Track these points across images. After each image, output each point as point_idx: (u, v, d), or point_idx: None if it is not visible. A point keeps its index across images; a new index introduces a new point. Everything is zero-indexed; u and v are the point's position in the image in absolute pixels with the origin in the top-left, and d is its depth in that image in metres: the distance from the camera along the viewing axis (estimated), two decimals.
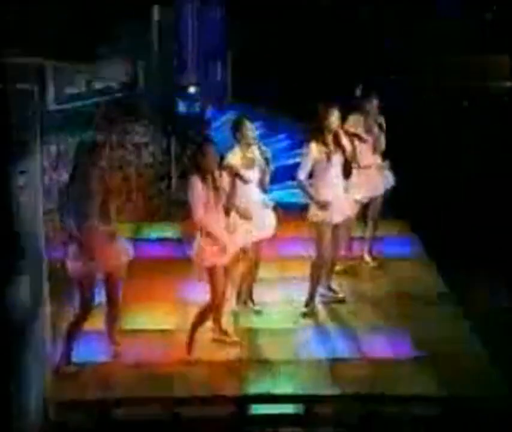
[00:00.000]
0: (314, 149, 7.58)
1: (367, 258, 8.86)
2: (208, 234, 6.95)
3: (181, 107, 10.14)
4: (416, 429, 6.56)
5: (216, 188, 6.96)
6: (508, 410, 6.51)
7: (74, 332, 7.02)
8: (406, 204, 9.68)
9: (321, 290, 8.10)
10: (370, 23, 10.87)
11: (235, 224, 7.16)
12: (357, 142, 8.04)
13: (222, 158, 7.24)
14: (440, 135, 10.13)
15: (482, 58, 10.21)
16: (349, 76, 9.82)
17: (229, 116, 8.39)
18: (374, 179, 8.52)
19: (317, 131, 7.59)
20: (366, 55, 10.62)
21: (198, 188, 6.90)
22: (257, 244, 7.71)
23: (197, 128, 10.00)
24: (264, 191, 7.66)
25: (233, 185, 7.11)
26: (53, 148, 9.24)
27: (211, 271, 7.01)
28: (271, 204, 7.71)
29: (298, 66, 11.04)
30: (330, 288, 8.15)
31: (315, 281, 7.85)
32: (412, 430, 6.56)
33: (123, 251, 7.08)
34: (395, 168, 8.72)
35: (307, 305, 7.87)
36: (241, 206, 7.25)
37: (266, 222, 7.64)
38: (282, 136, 11.55)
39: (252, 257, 7.75)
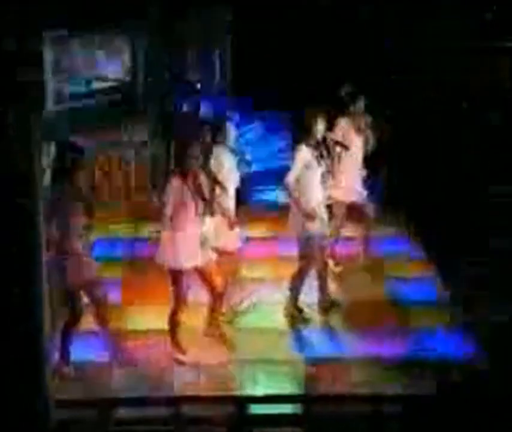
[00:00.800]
0: (304, 151, 7.53)
1: (362, 258, 8.83)
2: (176, 236, 6.94)
3: (181, 106, 10.12)
4: (413, 429, 6.56)
5: (196, 190, 6.92)
6: (506, 411, 6.53)
7: (67, 334, 7.02)
8: (405, 204, 9.68)
9: (318, 291, 8.08)
10: (370, 23, 10.85)
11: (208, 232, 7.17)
12: (339, 149, 8.02)
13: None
14: (439, 135, 10.12)
15: (482, 58, 10.19)
16: (349, 76, 9.79)
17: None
18: (355, 182, 8.48)
19: (306, 134, 7.54)
20: (365, 55, 10.60)
21: (173, 188, 6.89)
22: (230, 252, 7.68)
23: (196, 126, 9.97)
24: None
25: (212, 190, 7.07)
26: (53, 149, 9.23)
27: (174, 274, 7.03)
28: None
29: (298, 66, 11.03)
30: (326, 290, 8.11)
31: (297, 286, 7.81)
32: (409, 430, 6.57)
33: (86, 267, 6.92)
34: (394, 168, 8.72)
35: (286, 308, 7.85)
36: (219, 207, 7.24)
37: (235, 232, 7.61)
38: (280, 135, 11.53)
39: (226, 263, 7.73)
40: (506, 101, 9.99)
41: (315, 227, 7.56)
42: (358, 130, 8.41)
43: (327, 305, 7.97)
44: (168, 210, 6.88)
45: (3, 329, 5.94)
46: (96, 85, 9.64)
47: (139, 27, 9.95)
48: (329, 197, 8.05)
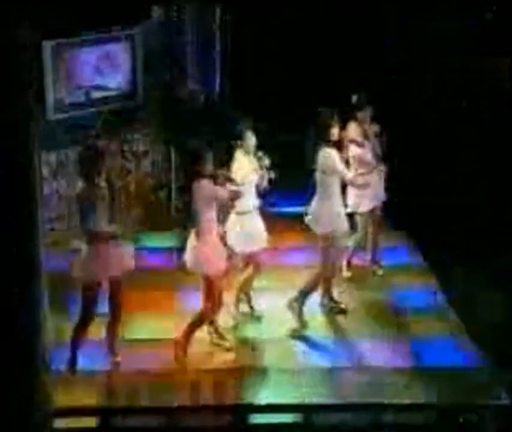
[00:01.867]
0: (334, 154, 7.47)
1: (370, 267, 8.82)
2: (206, 240, 7.01)
3: (181, 115, 10.11)
4: None
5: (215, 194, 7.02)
6: (507, 419, 6.52)
7: (76, 340, 7.07)
8: (407, 213, 9.56)
9: (322, 300, 8.10)
10: (370, 23, 10.83)
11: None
12: (357, 148, 7.95)
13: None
14: (439, 137, 10.09)
15: (482, 58, 10.17)
16: (349, 78, 9.79)
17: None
18: (371, 189, 8.43)
19: (322, 136, 7.52)
20: (365, 55, 10.58)
21: (195, 194, 6.96)
22: (252, 254, 7.75)
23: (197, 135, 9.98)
24: (260, 195, 7.69)
25: (231, 193, 7.13)
26: (53, 157, 9.26)
27: (206, 277, 7.07)
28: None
29: (299, 70, 11.02)
30: (331, 299, 8.12)
31: (310, 289, 7.81)
32: None
33: (126, 256, 7.13)
34: (394, 172, 8.69)
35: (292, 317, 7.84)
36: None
37: (259, 233, 7.67)
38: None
39: (245, 266, 7.83)
40: (506, 101, 9.96)
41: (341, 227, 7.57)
42: (365, 136, 8.41)
43: (336, 310, 8.01)
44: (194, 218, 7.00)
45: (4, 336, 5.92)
46: (96, 94, 9.64)
47: (139, 35, 9.95)
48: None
